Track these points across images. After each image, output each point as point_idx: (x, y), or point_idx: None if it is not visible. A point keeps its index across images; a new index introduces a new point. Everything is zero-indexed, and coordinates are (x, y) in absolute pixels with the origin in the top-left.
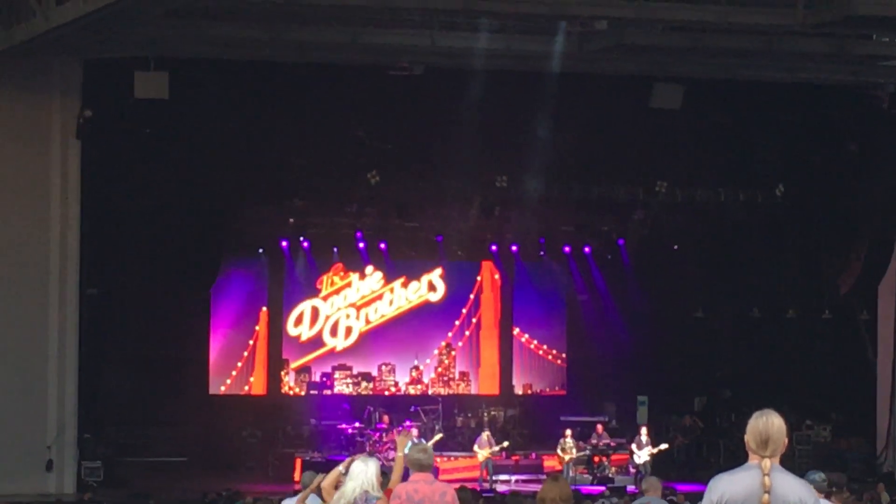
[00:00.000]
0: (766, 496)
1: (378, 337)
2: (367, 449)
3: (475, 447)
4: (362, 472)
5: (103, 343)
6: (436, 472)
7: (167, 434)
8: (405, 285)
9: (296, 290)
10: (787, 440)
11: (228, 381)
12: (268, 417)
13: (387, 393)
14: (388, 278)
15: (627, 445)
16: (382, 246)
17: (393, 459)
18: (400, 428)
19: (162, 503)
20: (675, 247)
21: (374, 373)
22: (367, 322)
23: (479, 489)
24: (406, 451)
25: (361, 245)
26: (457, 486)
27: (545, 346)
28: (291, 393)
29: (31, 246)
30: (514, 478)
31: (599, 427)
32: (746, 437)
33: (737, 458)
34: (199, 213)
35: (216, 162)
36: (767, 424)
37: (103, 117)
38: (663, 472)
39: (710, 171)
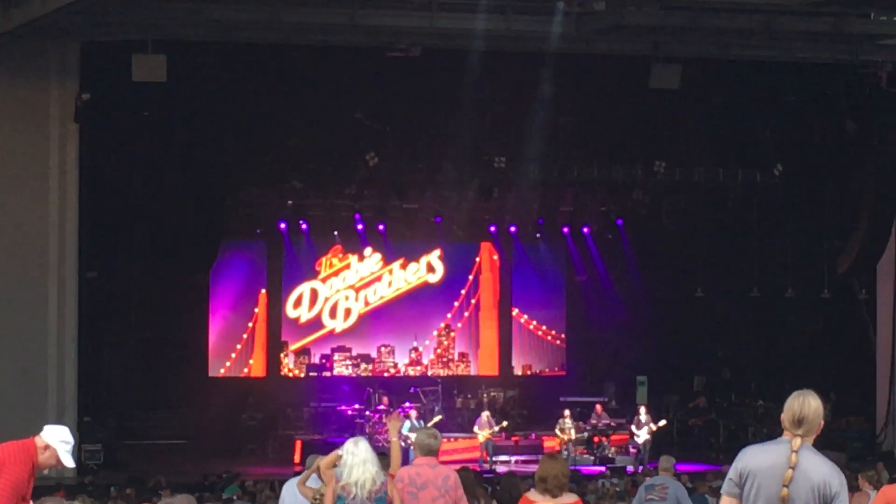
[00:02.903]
0: (791, 471)
1: (377, 318)
2: (367, 430)
3: (475, 428)
4: (351, 452)
5: (103, 326)
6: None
7: (167, 417)
8: (404, 267)
9: (294, 272)
10: (822, 422)
11: (228, 364)
12: (267, 399)
13: (386, 374)
14: (387, 260)
15: (627, 426)
16: (381, 227)
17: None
18: (401, 411)
19: (162, 486)
20: (671, 227)
21: (374, 354)
22: (366, 304)
23: (479, 470)
24: (406, 432)
25: (360, 227)
26: (458, 466)
27: (544, 327)
28: (291, 375)
29: (29, 229)
30: (513, 458)
31: (599, 407)
32: (782, 416)
33: (737, 438)
34: (197, 195)
35: (214, 144)
36: (804, 405)
37: (101, 100)
38: (662, 451)
39: (709, 150)
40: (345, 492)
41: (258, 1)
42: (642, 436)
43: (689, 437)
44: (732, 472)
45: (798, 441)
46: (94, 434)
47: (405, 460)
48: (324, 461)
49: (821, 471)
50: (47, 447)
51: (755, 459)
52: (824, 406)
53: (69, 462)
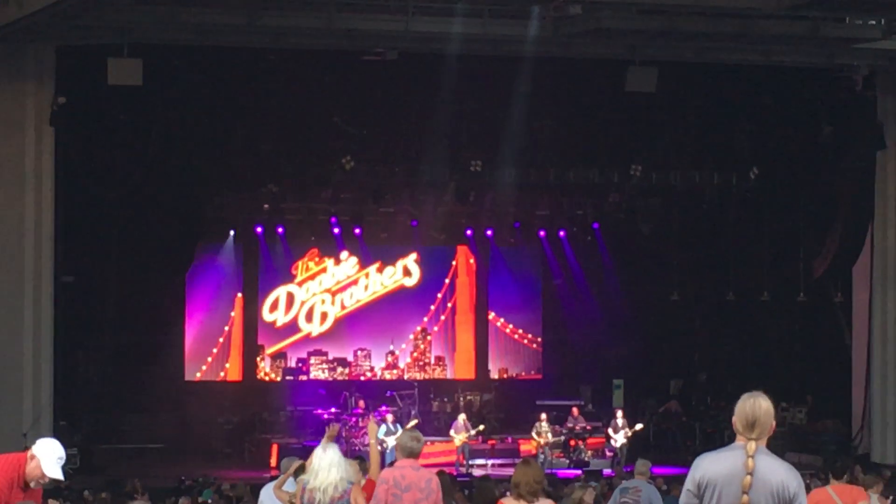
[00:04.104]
0: (749, 478)
1: (353, 322)
2: (343, 434)
3: (451, 432)
4: (319, 456)
5: (79, 331)
6: None
7: (143, 421)
8: (380, 270)
9: (271, 275)
10: (774, 423)
11: (204, 368)
12: (243, 403)
13: (363, 378)
14: (364, 263)
15: (603, 429)
16: (357, 231)
17: (368, 445)
18: (377, 414)
19: (137, 490)
20: (647, 230)
21: (350, 358)
22: (343, 307)
23: (455, 473)
24: (382, 435)
25: (336, 230)
26: (434, 470)
27: (521, 331)
28: (267, 379)
29: (5, 234)
30: (490, 462)
31: (575, 410)
32: (734, 419)
33: (712, 440)
34: (173, 199)
35: (190, 148)
36: (755, 407)
37: (77, 104)
38: (639, 454)
39: (685, 154)
40: (310, 498)
41: (234, 5)
42: (619, 439)
43: (666, 439)
44: (690, 483)
45: (753, 445)
46: (70, 438)
47: (381, 464)
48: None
49: (778, 473)
50: (33, 458)
51: (713, 468)
52: (800, 409)
53: (55, 473)
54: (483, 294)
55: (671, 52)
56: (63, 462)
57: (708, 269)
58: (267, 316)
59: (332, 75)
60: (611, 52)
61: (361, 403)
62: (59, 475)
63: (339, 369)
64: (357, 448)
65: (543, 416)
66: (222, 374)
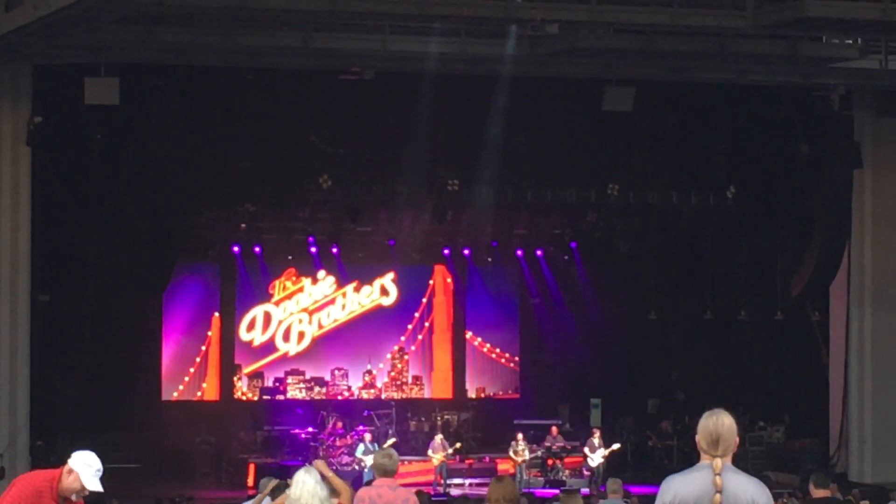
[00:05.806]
0: (718, 496)
1: (331, 341)
2: (321, 454)
3: (429, 451)
4: (302, 481)
5: (55, 350)
6: None
7: (120, 441)
8: (357, 290)
9: (248, 295)
10: (738, 439)
11: (181, 387)
12: (221, 423)
13: (340, 398)
14: (341, 283)
15: (580, 448)
16: (335, 250)
17: (346, 465)
18: (355, 434)
19: None
20: (624, 249)
21: (327, 377)
22: (320, 327)
23: (433, 493)
24: (360, 455)
25: (313, 250)
26: (413, 489)
27: (498, 350)
28: (244, 398)
29: None
30: (467, 481)
31: (554, 430)
32: (697, 437)
33: (690, 460)
34: (150, 218)
35: (167, 167)
36: (718, 424)
37: (54, 123)
38: (615, 474)
39: (662, 173)
40: None
41: (211, 24)
42: (595, 459)
43: (644, 459)
44: None
45: (719, 463)
46: (47, 458)
47: (359, 483)
48: None
49: (747, 489)
50: (71, 471)
51: (683, 489)
52: (778, 428)
53: (94, 486)
54: (460, 313)
55: (648, 71)
56: (101, 474)
57: (685, 288)
58: (244, 335)
59: (309, 94)
60: (588, 71)
61: (339, 423)
62: (99, 487)
63: (317, 389)
64: (334, 468)
65: (520, 435)
66: (199, 393)
